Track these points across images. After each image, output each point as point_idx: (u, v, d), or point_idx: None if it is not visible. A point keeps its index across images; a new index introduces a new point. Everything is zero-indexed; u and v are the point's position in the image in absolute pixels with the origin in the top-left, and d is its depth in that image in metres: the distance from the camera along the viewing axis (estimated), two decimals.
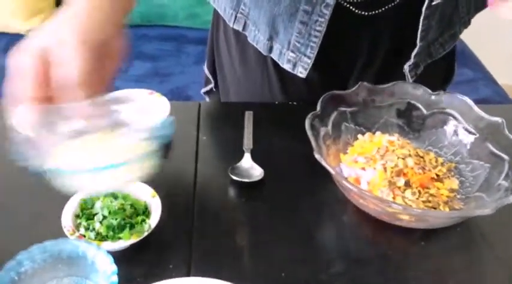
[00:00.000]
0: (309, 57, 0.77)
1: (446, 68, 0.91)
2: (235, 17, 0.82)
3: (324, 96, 0.68)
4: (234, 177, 0.65)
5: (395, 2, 0.74)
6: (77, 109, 0.46)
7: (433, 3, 0.71)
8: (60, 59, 0.45)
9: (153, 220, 0.55)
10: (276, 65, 0.82)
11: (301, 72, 0.79)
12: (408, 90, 0.71)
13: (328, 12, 0.72)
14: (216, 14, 0.90)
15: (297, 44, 0.77)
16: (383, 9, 0.75)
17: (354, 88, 0.70)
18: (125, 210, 0.55)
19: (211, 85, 0.98)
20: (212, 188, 0.65)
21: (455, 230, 0.61)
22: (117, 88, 1.39)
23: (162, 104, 0.75)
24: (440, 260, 0.58)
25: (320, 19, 0.73)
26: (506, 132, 0.64)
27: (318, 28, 0.74)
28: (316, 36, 0.75)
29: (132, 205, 0.56)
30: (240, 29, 0.83)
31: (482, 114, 0.66)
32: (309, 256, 0.58)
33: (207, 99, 1.01)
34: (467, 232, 0.62)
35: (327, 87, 0.74)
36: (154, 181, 0.62)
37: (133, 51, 1.59)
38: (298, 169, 0.69)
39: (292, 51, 0.78)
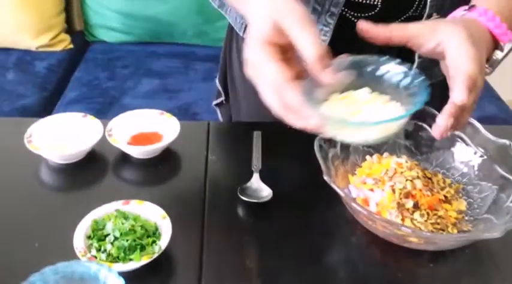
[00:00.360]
0: None
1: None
2: (246, 26, 0.84)
3: None
4: (243, 197, 0.66)
5: (401, 19, 0.75)
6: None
7: (431, 18, 0.72)
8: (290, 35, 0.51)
9: (164, 242, 0.55)
10: None
11: None
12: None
13: (332, 21, 0.73)
14: (230, 27, 0.91)
15: None
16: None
17: None
18: (135, 231, 0.55)
19: (222, 98, 0.99)
20: (221, 208, 0.66)
21: (463, 252, 0.61)
22: (125, 105, 1.41)
23: (173, 124, 0.76)
24: (449, 283, 0.58)
25: (325, 28, 0.74)
26: None
27: (323, 37, 0.75)
28: None
29: (142, 226, 0.57)
30: None
31: (489, 136, 0.67)
32: (317, 277, 0.58)
33: (218, 112, 1.03)
34: (476, 254, 0.62)
35: None
36: (164, 202, 0.63)
37: (142, 68, 1.62)
38: (307, 190, 0.69)
39: None
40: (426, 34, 0.57)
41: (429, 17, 0.73)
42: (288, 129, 0.82)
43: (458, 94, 0.52)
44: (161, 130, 0.76)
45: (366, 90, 0.57)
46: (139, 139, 0.74)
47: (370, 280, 0.58)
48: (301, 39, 0.51)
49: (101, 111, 1.36)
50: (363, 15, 0.75)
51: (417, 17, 0.75)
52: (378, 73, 0.57)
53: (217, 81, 1.00)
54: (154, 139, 0.73)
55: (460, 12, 0.64)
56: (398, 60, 0.57)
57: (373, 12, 0.75)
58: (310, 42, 0.50)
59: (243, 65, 0.92)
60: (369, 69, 0.57)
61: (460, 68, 0.53)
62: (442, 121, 0.54)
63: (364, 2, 0.74)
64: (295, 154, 0.74)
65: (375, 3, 0.74)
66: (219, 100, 1.00)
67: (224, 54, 0.97)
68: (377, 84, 0.57)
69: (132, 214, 0.59)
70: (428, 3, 0.72)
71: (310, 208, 0.67)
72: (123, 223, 0.56)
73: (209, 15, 1.66)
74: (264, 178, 0.70)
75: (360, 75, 0.56)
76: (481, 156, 0.67)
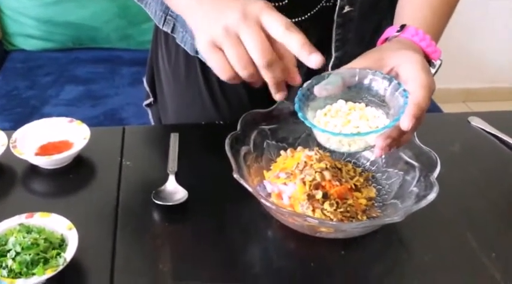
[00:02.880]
0: None
1: None
2: (165, 19, 0.85)
3: (244, 115, 0.70)
4: (157, 201, 0.65)
5: (313, 12, 0.77)
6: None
7: (343, 11, 0.74)
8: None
9: (69, 253, 0.54)
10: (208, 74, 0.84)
11: None
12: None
13: None
14: (156, 26, 0.91)
15: None
16: (302, 18, 0.77)
17: (273, 107, 0.72)
18: (38, 245, 0.53)
19: (151, 100, 0.98)
20: (135, 214, 0.65)
21: (374, 238, 0.63)
22: (46, 115, 1.36)
23: (83, 131, 0.73)
24: (360, 267, 0.60)
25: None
26: (417, 141, 0.67)
27: None
28: None
29: (46, 239, 0.55)
30: (169, 31, 0.85)
31: None
32: (233, 276, 0.58)
33: (149, 112, 1.02)
34: (386, 239, 0.64)
35: (259, 92, 0.77)
36: (74, 212, 0.62)
37: (65, 75, 1.56)
38: (224, 189, 0.69)
39: None
40: (373, 66, 0.59)
41: (341, 9, 0.75)
42: (205, 128, 0.84)
43: (404, 122, 0.54)
44: (71, 138, 0.74)
45: (341, 102, 0.60)
46: (48, 148, 0.72)
47: (283, 273, 0.59)
48: (287, 37, 0.53)
49: (20, 122, 1.29)
50: (277, 4, 0.76)
51: (330, 8, 0.76)
52: (363, 84, 0.60)
53: (144, 82, 0.99)
54: (63, 148, 0.71)
55: (392, 33, 0.66)
56: (380, 72, 0.59)
57: (285, 2, 0.76)
58: (295, 36, 0.53)
59: (170, 64, 0.92)
60: (353, 80, 0.60)
61: (411, 96, 0.55)
62: (382, 142, 0.56)
63: None
64: (212, 155, 0.74)
65: None
66: (148, 102, 1.00)
67: (151, 54, 0.97)
68: (359, 94, 0.60)
69: (37, 227, 0.57)
70: None
71: (227, 207, 0.67)
72: (24, 237, 0.54)
73: (133, 18, 1.62)
74: (180, 180, 0.69)
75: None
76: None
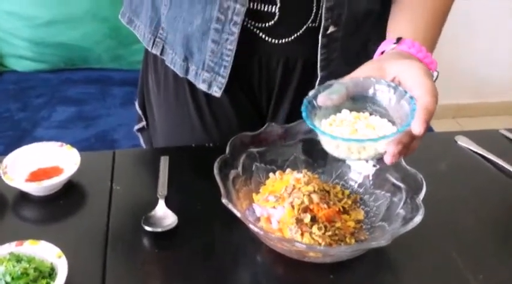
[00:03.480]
0: (223, 77, 0.80)
1: None
2: (154, 41, 0.86)
3: (233, 139, 0.70)
4: (147, 227, 0.65)
5: (299, 33, 0.78)
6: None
7: (328, 31, 0.76)
8: None
9: (58, 282, 0.54)
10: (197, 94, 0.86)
11: (216, 91, 0.82)
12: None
13: (236, 30, 0.76)
14: (145, 49, 0.92)
15: (210, 63, 0.80)
16: (288, 39, 0.79)
17: (261, 130, 0.73)
18: (28, 274, 0.54)
19: (144, 123, 0.99)
20: (125, 240, 0.65)
21: (362, 261, 0.64)
22: (38, 137, 1.36)
23: (73, 156, 0.74)
24: None
25: (230, 37, 0.77)
26: (403, 162, 0.68)
27: (229, 47, 0.77)
28: (228, 55, 0.78)
29: (36, 268, 0.55)
30: (158, 53, 0.86)
31: None
32: None
33: (140, 137, 1.02)
34: (375, 262, 0.64)
35: (247, 112, 0.79)
36: (63, 239, 0.62)
37: (57, 97, 1.57)
38: (213, 213, 0.69)
39: (207, 71, 0.81)
40: (375, 75, 0.60)
41: (326, 29, 0.77)
42: (195, 151, 0.84)
43: (416, 127, 0.55)
44: (62, 163, 0.74)
45: (346, 112, 0.61)
46: (38, 174, 0.72)
47: None
48: None
49: (11, 145, 1.30)
50: (263, 25, 0.78)
51: (315, 29, 0.78)
52: (368, 93, 0.61)
53: (137, 105, 1.00)
54: (54, 173, 0.72)
55: (389, 45, 0.68)
56: (384, 80, 0.60)
57: (272, 22, 0.77)
58: None
59: (159, 86, 0.93)
60: (357, 89, 0.61)
61: (418, 102, 0.56)
62: (393, 148, 0.56)
63: (262, 9, 0.76)
64: (202, 178, 0.75)
65: (273, 11, 0.76)
66: (140, 125, 1.00)
67: (142, 77, 0.97)
68: (363, 103, 0.61)
69: (27, 256, 0.57)
70: (323, 15, 0.75)
71: (216, 231, 0.67)
72: (14, 266, 0.54)
73: (124, 39, 1.63)
74: (170, 204, 0.70)
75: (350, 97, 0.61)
76: (374, 166, 0.71)
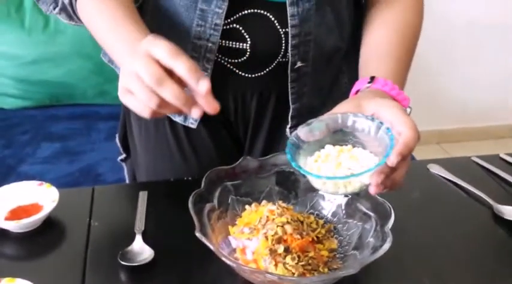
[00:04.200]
0: None
1: None
2: None
3: (208, 173, 0.72)
4: (123, 262, 0.66)
5: (271, 67, 0.81)
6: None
7: (296, 66, 0.79)
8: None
9: None
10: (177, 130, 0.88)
11: (192, 123, 0.85)
12: (287, 159, 0.77)
13: (210, 66, 0.79)
14: None
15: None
16: (261, 73, 0.82)
17: (236, 163, 0.75)
18: None
19: (123, 156, 1.02)
20: (102, 276, 0.66)
21: None
22: (23, 174, 1.37)
23: (52, 194, 0.75)
24: None
25: (204, 73, 0.79)
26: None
27: None
28: None
29: None
30: None
31: None
32: None
33: (124, 167, 1.04)
34: None
35: (226, 144, 0.82)
36: (40, 276, 0.63)
37: (42, 133, 1.59)
38: (190, 246, 0.70)
39: None
40: (354, 111, 0.63)
41: (294, 64, 0.80)
42: (174, 185, 0.86)
43: (390, 159, 0.57)
44: (41, 200, 0.75)
45: (329, 147, 0.64)
46: (17, 212, 0.73)
47: None
48: (173, 61, 0.56)
49: None
50: (235, 61, 0.81)
51: (286, 64, 0.81)
52: (347, 127, 0.63)
53: (117, 138, 1.02)
54: (33, 211, 0.73)
55: (363, 84, 0.71)
56: (361, 114, 0.63)
57: (244, 58, 0.81)
58: (181, 61, 0.56)
59: (140, 119, 0.95)
60: (337, 125, 0.64)
61: (402, 136, 0.59)
62: (376, 179, 0.59)
63: (233, 46, 0.79)
64: (179, 212, 0.75)
65: (244, 47, 0.80)
66: (122, 157, 1.03)
67: (123, 111, 1.00)
68: (344, 136, 0.64)
69: None
70: (289, 52, 0.79)
71: (193, 264, 0.68)
72: None
73: (109, 75, 1.66)
74: (147, 239, 0.71)
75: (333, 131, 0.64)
76: (346, 196, 0.72)
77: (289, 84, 0.81)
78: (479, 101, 2.41)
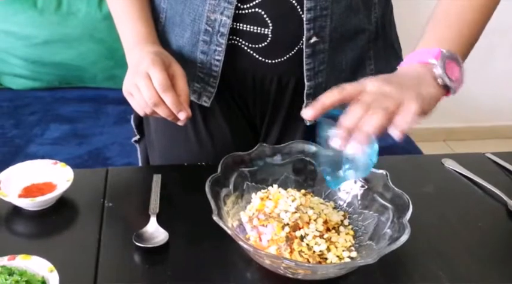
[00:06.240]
0: (212, 87, 0.84)
1: None
2: None
3: (225, 158, 0.72)
4: (138, 244, 0.66)
5: (291, 54, 0.81)
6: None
7: (310, 41, 0.78)
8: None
9: None
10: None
11: (206, 101, 0.85)
12: (303, 148, 0.76)
13: (223, 41, 0.79)
14: None
15: (200, 74, 0.84)
16: (284, 58, 0.81)
17: (253, 150, 0.74)
18: None
19: (137, 137, 1.01)
20: (116, 257, 0.66)
21: (351, 279, 0.65)
22: (31, 154, 1.37)
23: (66, 173, 0.75)
24: None
25: (218, 48, 0.80)
26: (390, 183, 0.70)
27: (217, 57, 0.81)
28: (216, 66, 0.82)
29: (28, 282, 0.55)
30: None
31: None
32: None
33: (138, 148, 1.04)
34: (362, 280, 0.65)
35: (242, 131, 0.84)
36: (55, 254, 0.63)
37: (51, 114, 1.58)
38: (204, 230, 0.70)
39: (197, 82, 0.85)
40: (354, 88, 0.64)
41: (308, 39, 0.79)
42: (188, 170, 0.85)
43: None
44: (55, 180, 0.75)
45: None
46: (31, 190, 0.73)
47: None
48: (163, 95, 0.72)
49: (4, 161, 1.31)
50: (256, 46, 0.80)
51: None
52: None
53: (132, 119, 1.02)
54: (47, 190, 0.72)
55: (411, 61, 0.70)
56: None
57: (265, 43, 0.80)
58: (168, 97, 0.72)
59: None
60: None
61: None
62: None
63: (255, 31, 0.79)
64: (194, 196, 0.75)
65: (265, 32, 0.79)
66: (136, 138, 1.03)
67: None
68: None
69: (19, 270, 0.57)
70: (304, 25, 0.77)
71: (206, 248, 0.68)
72: (6, 279, 0.55)
73: (119, 59, 1.65)
74: (162, 221, 0.70)
75: None
76: (362, 186, 0.72)
77: (304, 59, 0.80)
78: (488, 100, 2.40)
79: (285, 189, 0.73)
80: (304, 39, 0.79)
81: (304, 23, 0.77)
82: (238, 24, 0.79)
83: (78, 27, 1.60)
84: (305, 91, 0.83)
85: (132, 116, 1.02)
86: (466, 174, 0.86)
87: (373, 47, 0.86)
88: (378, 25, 0.85)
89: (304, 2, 0.76)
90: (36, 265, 0.59)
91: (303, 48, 0.80)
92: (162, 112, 0.73)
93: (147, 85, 0.71)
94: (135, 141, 1.03)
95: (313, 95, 0.84)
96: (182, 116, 0.73)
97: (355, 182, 0.72)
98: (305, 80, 0.82)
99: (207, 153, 0.89)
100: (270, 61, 0.81)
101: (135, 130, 1.01)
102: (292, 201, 0.69)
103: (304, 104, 0.84)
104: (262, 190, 0.73)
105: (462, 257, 0.70)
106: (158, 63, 0.73)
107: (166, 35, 0.87)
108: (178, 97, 0.73)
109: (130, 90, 0.75)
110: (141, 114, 0.76)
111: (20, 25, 1.61)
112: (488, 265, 0.69)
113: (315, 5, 0.77)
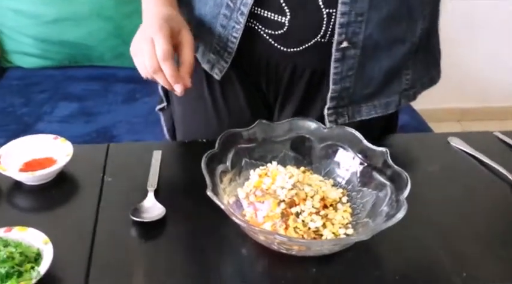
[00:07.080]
0: (225, 62, 0.84)
1: (388, 118, 0.92)
2: None
3: (222, 134, 0.71)
4: (134, 218, 0.66)
5: (307, 45, 0.79)
6: None
7: (341, 46, 0.76)
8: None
9: (43, 267, 0.55)
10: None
11: (217, 73, 0.86)
12: (303, 125, 0.75)
13: (242, 20, 0.79)
14: None
15: (216, 47, 0.84)
16: (300, 48, 0.80)
17: (251, 126, 0.74)
18: (14, 258, 0.55)
19: (164, 104, 1.01)
20: (113, 231, 0.66)
21: (346, 255, 0.64)
22: (40, 131, 1.38)
23: (66, 148, 0.75)
24: None
25: (236, 26, 0.80)
26: (390, 161, 0.68)
27: (234, 34, 0.81)
28: (233, 42, 0.82)
29: (22, 253, 0.56)
30: None
31: (369, 145, 0.71)
32: None
33: (161, 117, 1.04)
34: (359, 256, 0.65)
35: (256, 109, 0.85)
36: (52, 227, 0.63)
37: (59, 92, 1.59)
38: (201, 206, 0.70)
39: (213, 53, 0.85)
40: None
41: (339, 43, 0.77)
42: (188, 146, 0.85)
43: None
44: (55, 155, 0.75)
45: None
46: (32, 165, 0.74)
47: None
48: (161, 63, 0.70)
49: (13, 138, 1.31)
50: (272, 32, 0.80)
51: (326, 45, 0.78)
52: None
53: (159, 86, 1.02)
54: (47, 164, 0.73)
55: None
56: None
57: (282, 31, 0.79)
58: (166, 66, 0.70)
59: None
60: None
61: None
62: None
63: (272, 18, 0.78)
64: (193, 172, 0.75)
65: (283, 21, 0.78)
66: (161, 106, 1.02)
67: None
68: None
69: (14, 241, 0.58)
70: (336, 29, 0.75)
71: (203, 224, 0.68)
72: (1, 250, 0.56)
73: (127, 37, 1.64)
74: (160, 197, 0.71)
75: None
76: (361, 163, 0.71)
77: (332, 63, 0.78)
78: (502, 80, 2.35)
79: (284, 166, 0.73)
80: (334, 43, 0.77)
81: (337, 27, 0.75)
82: (257, 8, 0.79)
83: (85, 4, 1.60)
84: (329, 95, 0.82)
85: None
86: (472, 153, 0.84)
87: (412, 57, 0.83)
88: (423, 37, 0.82)
89: (339, 6, 0.74)
90: (32, 237, 0.59)
91: (321, 42, 0.78)
92: (160, 80, 0.72)
93: (149, 52, 0.71)
94: (160, 109, 1.02)
95: (337, 98, 0.82)
96: (178, 88, 0.72)
97: (353, 158, 0.71)
98: (330, 83, 0.80)
99: (223, 123, 0.89)
100: (285, 49, 0.80)
101: (163, 97, 1.01)
102: (290, 177, 0.68)
103: (327, 106, 0.83)
104: (261, 167, 0.72)
105: (464, 237, 0.69)
106: (165, 30, 0.71)
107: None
108: (182, 65, 0.73)
109: (136, 51, 0.76)
110: (144, 77, 0.76)
111: (29, 3, 1.61)
112: (491, 244, 0.68)
113: (350, 9, 0.74)
